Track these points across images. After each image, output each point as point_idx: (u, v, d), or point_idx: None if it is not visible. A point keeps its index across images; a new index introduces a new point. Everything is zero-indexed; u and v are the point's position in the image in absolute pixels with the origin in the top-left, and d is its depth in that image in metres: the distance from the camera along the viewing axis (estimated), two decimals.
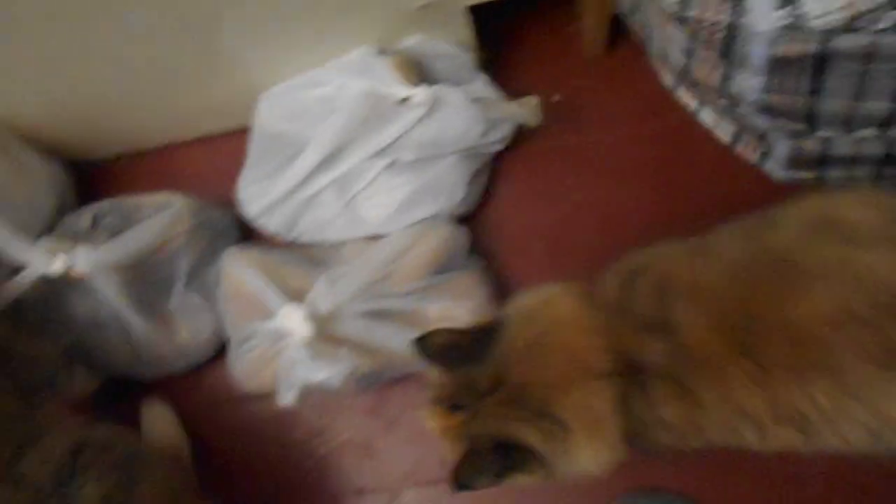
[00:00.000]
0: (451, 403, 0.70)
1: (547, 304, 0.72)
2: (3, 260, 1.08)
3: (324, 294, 0.95)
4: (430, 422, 0.73)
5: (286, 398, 0.91)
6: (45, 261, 0.97)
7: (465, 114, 0.98)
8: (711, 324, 0.65)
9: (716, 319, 0.65)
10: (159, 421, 1.10)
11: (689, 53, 0.78)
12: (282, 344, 0.97)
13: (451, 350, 0.71)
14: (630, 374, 0.67)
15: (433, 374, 0.74)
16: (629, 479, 0.96)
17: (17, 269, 1.07)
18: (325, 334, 0.94)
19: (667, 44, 0.82)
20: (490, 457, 0.67)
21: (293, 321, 0.92)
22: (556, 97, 1.09)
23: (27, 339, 1.04)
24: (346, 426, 1.09)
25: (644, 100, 1.07)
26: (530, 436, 0.67)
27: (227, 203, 1.15)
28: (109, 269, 1.00)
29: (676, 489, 0.96)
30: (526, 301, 0.74)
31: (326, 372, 0.87)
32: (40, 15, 0.89)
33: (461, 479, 0.67)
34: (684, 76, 0.84)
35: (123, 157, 1.25)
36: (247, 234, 1.16)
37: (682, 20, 0.71)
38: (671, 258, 0.73)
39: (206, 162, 1.21)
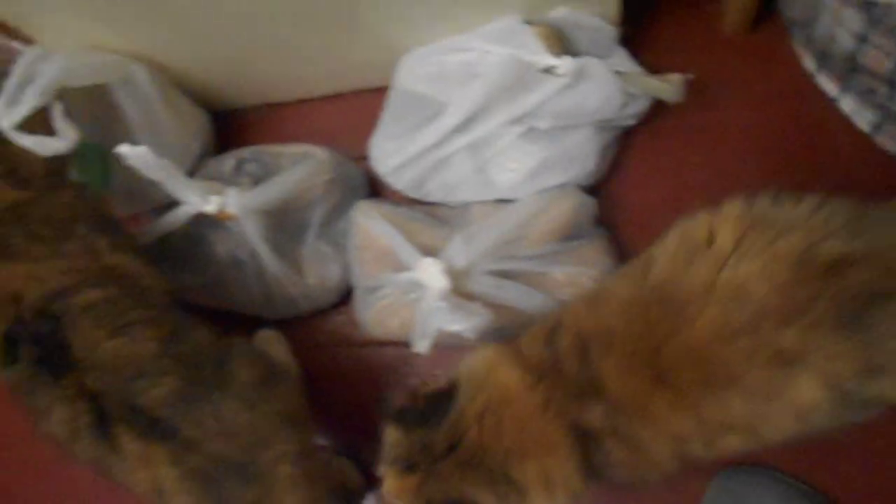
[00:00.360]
0: (406, 464, 0.74)
1: (491, 371, 0.76)
2: (154, 195, 1.16)
3: (459, 251, 0.99)
4: (385, 483, 0.76)
5: (421, 346, 0.96)
6: (202, 200, 1.04)
7: (607, 86, 1.00)
8: (624, 367, 0.71)
9: (626, 362, 0.71)
10: (273, 345, 1.17)
11: (861, 38, 0.78)
12: (414, 295, 1.03)
13: (408, 413, 0.75)
14: (582, 438, 0.72)
15: (389, 435, 0.77)
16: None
17: (162, 207, 1.16)
18: (458, 289, 0.98)
19: (835, 27, 0.83)
20: None
21: (431, 274, 0.97)
22: (690, 75, 1.10)
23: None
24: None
25: (781, 84, 1.08)
26: (486, 498, 0.72)
27: (357, 159, 1.20)
28: (255, 213, 1.07)
29: (776, 465, 0.98)
30: (473, 367, 0.78)
31: (464, 324, 0.92)
32: None
33: None
34: (846, 61, 0.85)
35: (258, 108, 1.31)
36: (373, 190, 1.22)
37: (867, 4, 0.72)
38: (577, 312, 0.78)
39: (337, 118, 1.27)
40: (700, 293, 0.69)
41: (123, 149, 0.96)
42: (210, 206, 1.04)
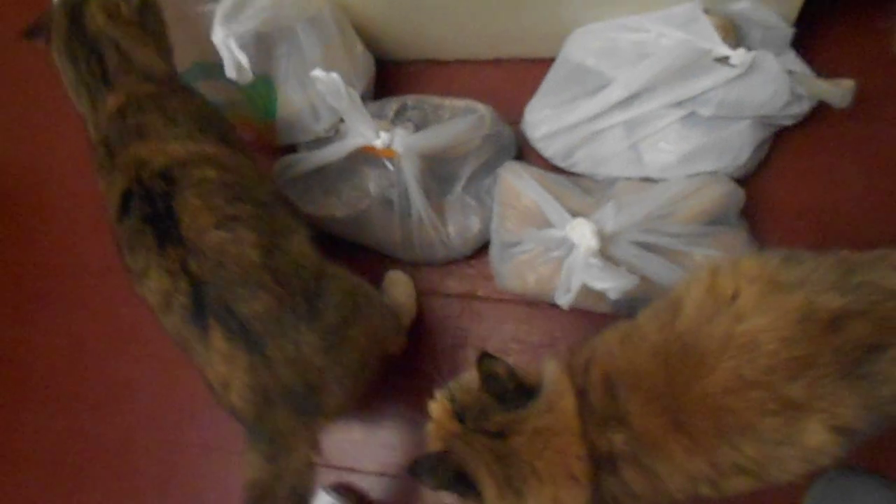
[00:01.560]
0: (460, 410, 0.82)
1: (561, 396, 0.81)
2: (308, 130, 1.26)
3: (610, 216, 1.05)
4: (433, 408, 0.84)
5: (563, 300, 1.03)
6: (373, 133, 1.12)
7: (776, 83, 1.05)
8: (649, 409, 0.78)
9: (650, 404, 0.78)
10: (398, 286, 1.26)
11: None
12: (557, 253, 1.09)
13: (495, 380, 0.81)
14: (603, 463, 0.79)
15: (468, 379, 0.85)
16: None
17: (312, 142, 1.25)
18: (604, 252, 1.04)
19: None
20: (449, 474, 0.80)
21: (582, 233, 1.03)
22: None
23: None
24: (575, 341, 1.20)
25: None
26: (491, 492, 0.79)
27: (510, 123, 1.27)
28: (416, 154, 1.14)
29: (881, 469, 1.02)
30: (553, 381, 0.83)
31: (611, 283, 0.97)
32: None
33: (415, 468, 0.80)
34: None
35: (418, 63, 1.39)
36: (518, 154, 1.28)
37: None
38: (609, 347, 0.85)
39: (492, 82, 1.34)
40: (718, 346, 0.77)
41: (317, 73, 1.05)
42: (379, 140, 1.12)
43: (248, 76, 1.09)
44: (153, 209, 0.91)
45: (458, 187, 1.23)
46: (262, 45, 1.21)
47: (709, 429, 0.76)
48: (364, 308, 1.01)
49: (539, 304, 1.21)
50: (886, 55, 1.16)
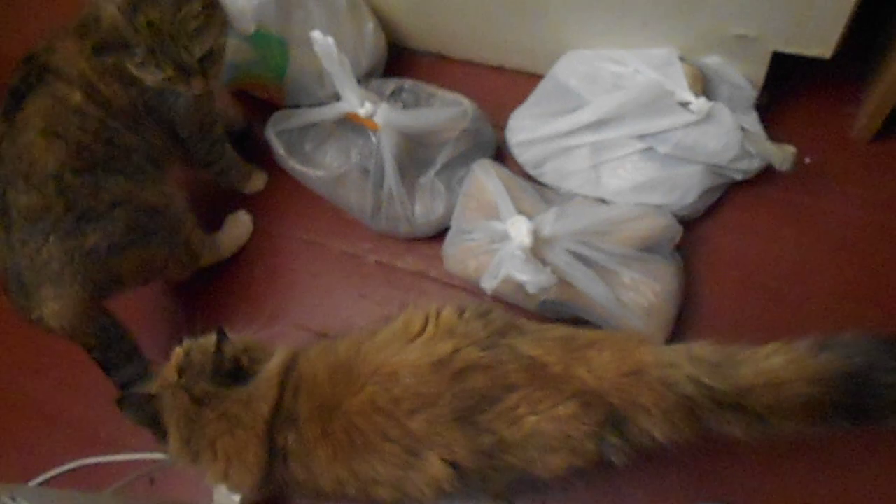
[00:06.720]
0: (184, 366, 0.98)
1: (260, 398, 0.95)
2: (314, 94, 1.45)
3: (549, 221, 1.21)
4: (173, 353, 1.01)
5: (487, 284, 1.19)
6: (358, 102, 1.31)
7: (729, 135, 1.21)
8: (312, 415, 0.93)
9: (314, 411, 0.93)
10: (233, 229, 1.49)
11: None
12: (498, 244, 1.26)
13: (221, 357, 0.96)
14: (277, 454, 0.94)
15: (208, 340, 0.99)
16: (702, 490, 1.16)
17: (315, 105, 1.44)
18: (537, 252, 1.21)
19: None
20: (149, 415, 0.97)
21: (518, 229, 1.19)
22: (807, 160, 1.29)
23: None
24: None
25: (887, 194, 1.25)
26: (175, 445, 0.96)
27: (494, 125, 1.45)
28: (395, 131, 1.33)
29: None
30: (264, 377, 0.97)
31: (529, 276, 1.13)
32: None
33: (123, 401, 0.98)
34: None
35: (430, 55, 1.59)
36: (496, 155, 1.46)
37: None
38: (309, 355, 0.99)
39: (490, 86, 1.53)
40: (371, 370, 0.92)
41: (315, 34, 1.24)
42: (363, 109, 1.31)
43: (250, 30, 1.28)
44: (17, 88, 1.14)
45: (432, 172, 1.40)
46: (281, 9, 1.41)
47: (344, 442, 0.91)
48: (152, 242, 1.21)
49: (481, 294, 1.37)
50: (844, 138, 1.31)
